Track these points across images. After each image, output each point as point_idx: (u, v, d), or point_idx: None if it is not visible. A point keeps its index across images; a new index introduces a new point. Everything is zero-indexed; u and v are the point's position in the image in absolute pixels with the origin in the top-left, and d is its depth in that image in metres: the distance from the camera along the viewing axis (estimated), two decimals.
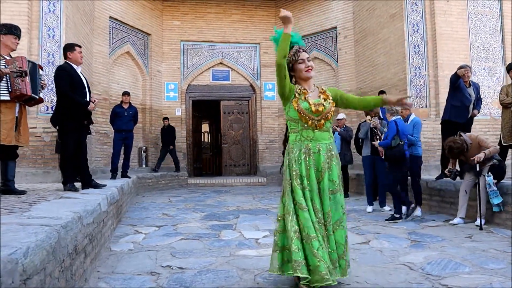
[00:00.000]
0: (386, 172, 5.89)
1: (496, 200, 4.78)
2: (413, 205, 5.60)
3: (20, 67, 4.28)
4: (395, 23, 9.35)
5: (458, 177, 5.38)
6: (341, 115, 8.56)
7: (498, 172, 4.96)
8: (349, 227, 4.91)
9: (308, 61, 2.79)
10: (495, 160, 5.03)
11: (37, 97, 4.58)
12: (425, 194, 6.24)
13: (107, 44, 10.64)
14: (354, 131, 8.02)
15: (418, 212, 5.86)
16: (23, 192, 4.47)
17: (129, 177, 8.11)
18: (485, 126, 8.54)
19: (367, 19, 10.72)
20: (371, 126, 6.33)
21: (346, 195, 7.23)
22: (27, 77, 4.33)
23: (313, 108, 2.69)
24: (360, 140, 6.88)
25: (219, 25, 13.09)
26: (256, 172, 13.21)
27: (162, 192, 10.09)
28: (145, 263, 3.42)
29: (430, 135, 8.32)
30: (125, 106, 8.37)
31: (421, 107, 8.74)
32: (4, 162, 4.48)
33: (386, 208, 6.43)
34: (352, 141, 8.09)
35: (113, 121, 8.34)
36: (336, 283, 2.59)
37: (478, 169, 4.92)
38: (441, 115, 6.80)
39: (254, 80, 13.36)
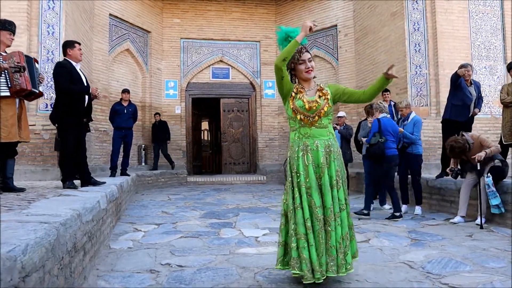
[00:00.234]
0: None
1: (494, 201, 4.77)
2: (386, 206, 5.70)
3: (18, 62, 4.27)
4: (395, 22, 9.33)
5: (459, 176, 5.38)
6: (341, 113, 8.54)
7: (498, 173, 4.95)
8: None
9: (310, 61, 2.82)
10: (497, 161, 5.02)
11: (37, 91, 4.57)
12: (425, 192, 6.24)
13: (106, 41, 10.63)
14: (354, 130, 8.01)
15: (418, 210, 5.86)
16: (22, 190, 4.46)
17: (129, 175, 8.11)
18: (486, 125, 8.54)
19: (367, 17, 10.70)
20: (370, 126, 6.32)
21: None
22: (25, 71, 4.32)
23: (307, 106, 2.73)
24: (360, 139, 6.87)
25: (219, 22, 13.07)
26: (256, 170, 13.20)
27: (161, 190, 10.08)
28: (144, 261, 3.41)
29: (430, 134, 8.31)
30: (125, 104, 8.37)
31: (422, 106, 8.74)
32: (3, 159, 4.47)
33: (387, 206, 6.43)
34: (352, 139, 8.08)
35: (112, 119, 8.33)
36: (321, 281, 2.58)
37: (479, 167, 4.91)
38: (441, 114, 6.79)
39: (254, 78, 13.34)
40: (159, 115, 11.61)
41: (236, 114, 13.46)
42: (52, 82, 6.32)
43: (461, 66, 6.04)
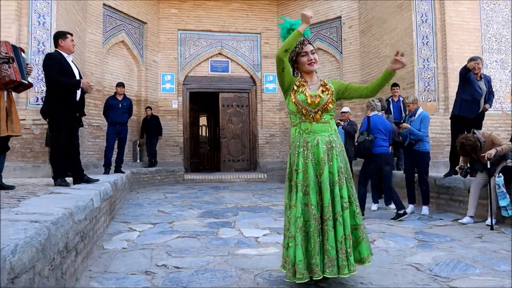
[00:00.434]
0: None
1: (503, 202, 4.75)
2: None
3: (6, 53, 4.24)
4: (402, 13, 9.30)
5: (468, 175, 5.36)
6: (345, 109, 8.51)
7: (511, 174, 4.93)
8: None
9: (312, 53, 2.83)
10: (509, 161, 5.00)
11: (27, 82, 4.54)
12: (432, 192, 6.23)
13: (100, 32, 10.59)
14: (359, 126, 7.98)
15: (425, 210, 5.86)
16: (11, 187, 4.45)
17: (123, 172, 8.09)
18: (497, 122, 8.51)
19: (373, 8, 10.66)
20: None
21: None
22: (14, 62, 4.29)
23: (309, 100, 2.74)
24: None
25: (219, 13, 13.03)
26: (256, 168, 13.20)
27: (157, 188, 10.07)
28: (139, 262, 3.40)
29: (438, 130, 8.30)
30: (119, 98, 8.34)
31: (429, 101, 8.72)
32: None
33: (392, 206, 6.41)
34: (357, 136, 8.06)
35: (106, 114, 8.30)
36: (303, 281, 2.57)
37: (489, 166, 4.89)
38: (450, 110, 6.78)
39: (254, 72, 13.31)
40: (151, 109, 11.51)
41: (236, 109, 13.44)
42: (43, 75, 6.30)
43: (471, 59, 6.01)
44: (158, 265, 3.29)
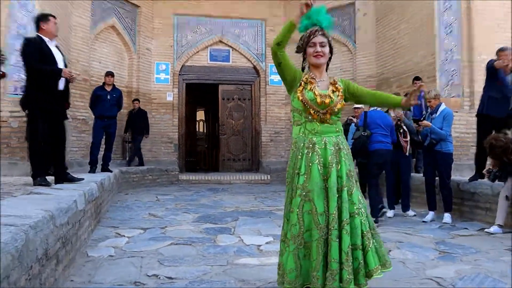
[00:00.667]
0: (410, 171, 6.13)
1: None
2: (381, 206, 5.84)
3: None
4: None
5: (497, 180, 5.32)
6: (358, 104, 8.47)
7: None
8: None
9: (322, 46, 2.82)
10: None
11: (0, 72, 4.52)
12: (456, 197, 6.20)
13: (88, 16, 10.57)
14: None
15: (447, 218, 5.82)
16: None
17: (111, 171, 8.08)
18: None
19: None
20: (394, 116, 6.29)
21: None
22: None
23: (318, 100, 2.74)
24: None
25: None
26: (259, 168, 13.19)
27: (148, 189, 10.08)
28: (128, 271, 3.39)
29: (463, 129, 8.27)
30: (108, 89, 8.32)
31: (453, 97, 8.67)
32: None
33: (410, 212, 6.39)
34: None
35: (93, 106, 8.29)
36: None
37: None
38: (476, 106, 6.73)
39: (258, 62, 13.30)
40: (139, 101, 11.38)
41: (237, 103, 13.43)
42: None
43: (499, 50, 5.95)
44: (148, 275, 3.28)
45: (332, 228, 2.59)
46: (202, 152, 17.37)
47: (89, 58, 10.58)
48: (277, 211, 6.58)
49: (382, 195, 6.50)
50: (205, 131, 18.62)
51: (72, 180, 5.14)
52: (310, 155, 2.72)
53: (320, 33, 2.81)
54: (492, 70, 5.97)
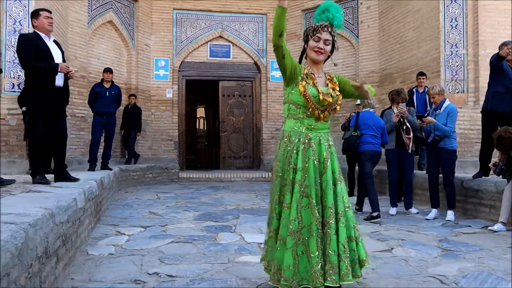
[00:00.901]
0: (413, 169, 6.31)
1: None
2: (377, 214, 5.79)
3: None
4: None
5: (501, 176, 5.33)
6: (359, 101, 8.47)
7: None
8: (369, 232, 4.91)
9: (326, 44, 2.87)
10: None
11: None
12: (459, 195, 6.21)
13: (85, 11, 10.57)
14: None
15: (450, 216, 5.83)
16: None
17: (110, 169, 8.11)
18: None
19: None
20: (397, 113, 6.30)
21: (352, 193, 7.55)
22: None
23: (321, 97, 2.78)
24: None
25: None
26: (260, 166, 13.20)
27: (149, 187, 10.10)
28: (128, 269, 3.41)
29: (467, 126, 8.26)
30: (107, 85, 8.34)
31: (457, 92, 8.67)
32: None
33: (413, 210, 6.40)
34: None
35: (92, 103, 8.31)
36: None
37: None
38: (481, 102, 6.74)
39: (259, 58, 13.29)
40: (135, 97, 11.30)
41: (238, 99, 13.42)
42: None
43: (503, 44, 5.93)
44: (149, 273, 3.30)
45: (329, 221, 2.67)
46: (203, 150, 17.36)
47: (87, 55, 10.58)
48: None
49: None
50: (205, 128, 18.61)
51: (72, 178, 5.15)
52: (306, 150, 2.76)
53: (328, 29, 2.86)
54: (496, 64, 5.97)
